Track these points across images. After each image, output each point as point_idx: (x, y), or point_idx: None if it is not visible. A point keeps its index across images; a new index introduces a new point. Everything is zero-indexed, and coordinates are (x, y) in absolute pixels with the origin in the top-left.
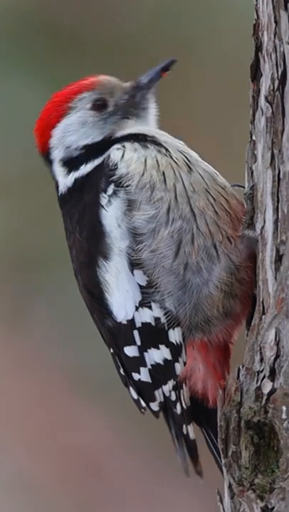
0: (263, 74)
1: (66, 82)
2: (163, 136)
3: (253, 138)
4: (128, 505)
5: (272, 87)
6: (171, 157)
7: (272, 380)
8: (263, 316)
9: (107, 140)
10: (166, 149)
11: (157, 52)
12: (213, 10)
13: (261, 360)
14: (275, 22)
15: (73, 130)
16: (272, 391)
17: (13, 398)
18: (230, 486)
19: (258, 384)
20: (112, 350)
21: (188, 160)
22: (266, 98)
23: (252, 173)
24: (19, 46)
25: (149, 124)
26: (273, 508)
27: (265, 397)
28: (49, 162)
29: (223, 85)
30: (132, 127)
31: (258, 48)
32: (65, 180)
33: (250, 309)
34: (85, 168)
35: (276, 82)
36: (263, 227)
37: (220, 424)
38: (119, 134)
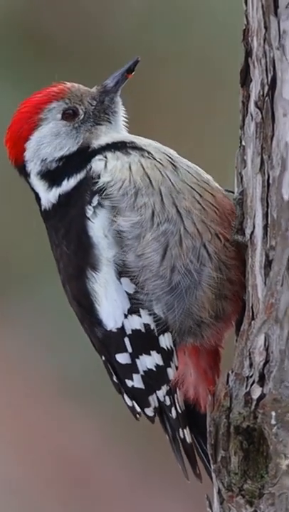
0: (252, 79)
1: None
2: (141, 140)
3: (243, 143)
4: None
5: (262, 93)
6: (155, 158)
7: (262, 386)
8: (253, 322)
9: (85, 150)
10: (148, 152)
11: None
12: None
13: (251, 365)
14: (265, 28)
15: (47, 142)
16: (262, 396)
17: (0, 402)
18: (219, 492)
19: (248, 389)
20: (103, 358)
21: (171, 159)
22: (256, 103)
23: (241, 178)
24: None
25: (119, 128)
26: None
27: (254, 403)
28: (24, 173)
29: (207, 90)
30: (106, 135)
31: (248, 53)
32: (47, 195)
33: (240, 311)
34: (68, 184)
35: (266, 88)
36: (252, 233)
37: (209, 430)
38: (96, 143)
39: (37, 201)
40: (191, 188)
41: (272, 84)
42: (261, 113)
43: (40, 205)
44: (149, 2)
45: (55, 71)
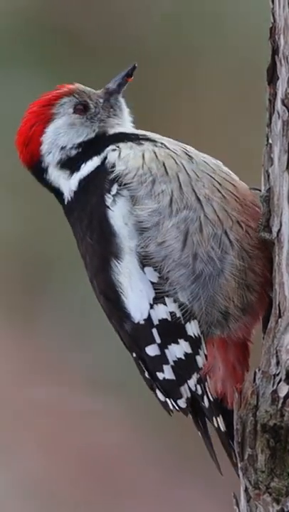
0: (279, 77)
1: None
2: (154, 134)
3: (270, 141)
4: (142, 508)
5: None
6: (168, 148)
7: None
8: (279, 320)
9: (102, 137)
10: (162, 143)
11: (165, 57)
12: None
13: (277, 363)
14: None
15: (64, 132)
16: None
17: (27, 400)
18: (246, 490)
19: (274, 387)
20: (134, 355)
21: (186, 149)
22: (283, 101)
23: (268, 176)
24: (27, 48)
25: (128, 124)
26: None
27: (281, 401)
28: (40, 172)
29: (232, 90)
30: (120, 126)
31: (275, 51)
32: (68, 183)
33: (267, 306)
34: (86, 167)
35: None
36: (279, 231)
37: (236, 428)
38: (112, 131)
39: (58, 199)
40: (210, 176)
41: None
42: (288, 111)
43: (62, 201)
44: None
45: (88, 70)
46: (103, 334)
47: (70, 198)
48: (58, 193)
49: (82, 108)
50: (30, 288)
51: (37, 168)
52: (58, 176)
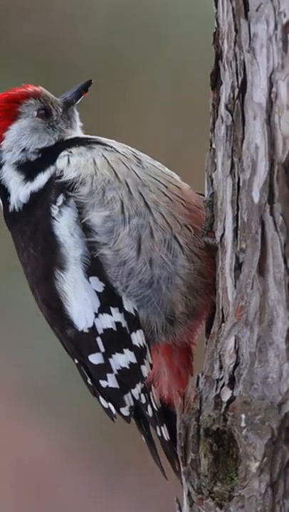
0: (223, 82)
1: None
2: (103, 138)
3: (213, 146)
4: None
5: (232, 96)
6: (118, 152)
7: (232, 388)
8: (223, 324)
9: (58, 145)
10: (111, 146)
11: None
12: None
13: (220, 368)
14: (236, 30)
15: (28, 134)
16: (232, 399)
17: None
18: (189, 494)
19: (218, 392)
20: (76, 361)
21: (134, 152)
22: (226, 106)
23: (212, 181)
24: None
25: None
26: None
27: (224, 405)
28: None
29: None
30: (76, 132)
31: (218, 56)
32: (19, 190)
33: (211, 308)
34: (42, 178)
35: (236, 91)
36: (222, 235)
37: (179, 432)
38: (67, 137)
39: (3, 202)
40: (157, 180)
41: (243, 87)
42: (232, 116)
43: (5, 204)
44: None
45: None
46: (42, 339)
47: (16, 209)
48: (3, 193)
49: (44, 113)
50: None
51: None
52: (10, 177)
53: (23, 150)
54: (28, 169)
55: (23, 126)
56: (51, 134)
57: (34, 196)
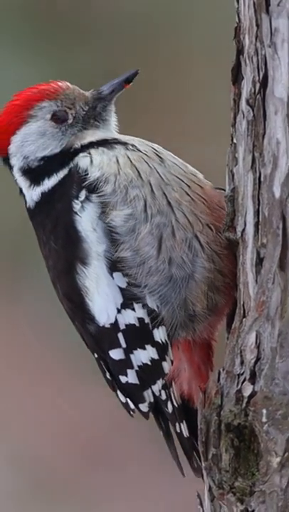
0: (244, 77)
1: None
2: (123, 136)
3: (234, 141)
4: (129, 482)
5: (253, 90)
6: (140, 151)
7: (253, 383)
8: (244, 319)
9: (67, 151)
10: (132, 145)
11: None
12: None
13: (242, 363)
14: (257, 25)
15: (32, 140)
16: (253, 394)
17: (15, 374)
18: (210, 489)
19: (239, 387)
20: (96, 356)
21: (156, 151)
22: (247, 101)
23: (233, 176)
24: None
25: (109, 133)
26: (253, 511)
27: (245, 400)
28: (9, 165)
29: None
30: (92, 136)
31: (240, 51)
32: (30, 193)
33: (232, 305)
34: (49, 183)
35: (257, 85)
36: (243, 230)
37: (200, 427)
38: (79, 143)
39: (22, 197)
40: (179, 179)
41: (264, 82)
42: (253, 111)
43: (25, 201)
44: None
45: (55, 39)
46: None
47: (31, 206)
48: (21, 191)
49: (59, 118)
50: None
51: (6, 161)
52: (20, 180)
53: (25, 157)
54: (33, 175)
55: (30, 131)
56: (59, 139)
57: (48, 194)
